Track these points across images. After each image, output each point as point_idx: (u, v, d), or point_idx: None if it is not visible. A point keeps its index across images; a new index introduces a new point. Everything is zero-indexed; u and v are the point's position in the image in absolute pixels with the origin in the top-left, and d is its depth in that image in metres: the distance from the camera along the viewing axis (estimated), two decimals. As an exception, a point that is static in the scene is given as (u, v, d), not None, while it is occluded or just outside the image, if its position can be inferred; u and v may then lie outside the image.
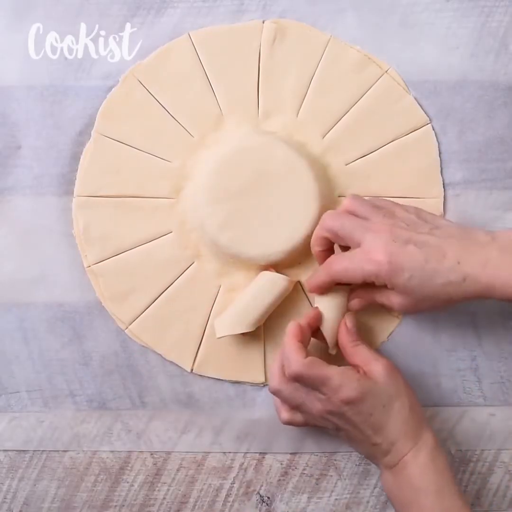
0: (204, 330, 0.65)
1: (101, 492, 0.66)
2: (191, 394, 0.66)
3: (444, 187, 0.66)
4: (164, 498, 0.66)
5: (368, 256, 0.56)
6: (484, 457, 0.66)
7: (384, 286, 0.57)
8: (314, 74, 0.66)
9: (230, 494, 0.66)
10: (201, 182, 0.64)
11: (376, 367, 0.59)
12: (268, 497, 0.66)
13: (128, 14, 0.67)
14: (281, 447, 0.66)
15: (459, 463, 0.66)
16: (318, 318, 0.61)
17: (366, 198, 0.61)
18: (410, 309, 0.57)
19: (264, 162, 0.63)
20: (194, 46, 0.66)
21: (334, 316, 0.61)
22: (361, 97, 0.66)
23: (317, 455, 0.66)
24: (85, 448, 0.66)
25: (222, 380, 0.66)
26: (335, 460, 0.66)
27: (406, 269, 0.55)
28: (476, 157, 0.67)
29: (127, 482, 0.66)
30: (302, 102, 0.66)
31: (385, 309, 0.63)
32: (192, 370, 0.66)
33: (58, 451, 0.66)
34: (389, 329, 0.66)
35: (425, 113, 0.66)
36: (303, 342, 0.59)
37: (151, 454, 0.66)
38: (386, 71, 0.67)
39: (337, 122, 0.66)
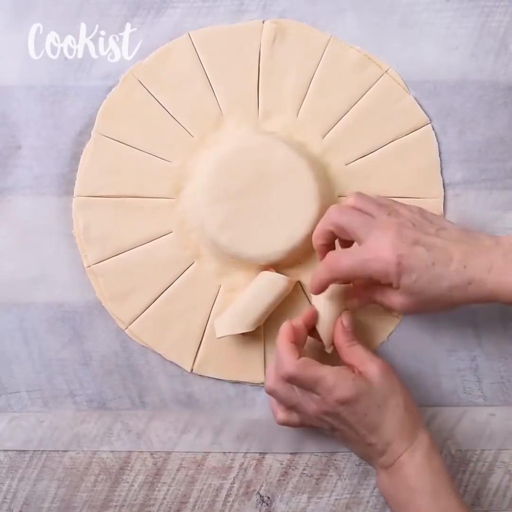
0: (204, 330, 0.65)
1: (101, 492, 0.66)
2: (191, 394, 0.66)
3: (444, 187, 0.66)
4: (164, 498, 0.66)
5: (375, 254, 0.55)
6: (484, 457, 0.66)
7: (387, 286, 0.56)
8: (314, 74, 0.66)
9: (230, 494, 0.66)
10: (201, 182, 0.64)
11: (371, 368, 0.58)
12: (268, 497, 0.66)
13: (128, 14, 0.67)
14: (281, 447, 0.66)
15: (459, 463, 0.66)
16: (314, 317, 0.61)
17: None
18: (412, 310, 0.57)
19: (264, 162, 0.63)
20: (194, 46, 0.66)
21: (330, 315, 0.61)
22: (361, 97, 0.66)
23: (317, 455, 0.66)
24: (85, 448, 0.66)
25: (222, 380, 0.66)
26: (335, 460, 0.66)
27: (414, 270, 0.55)
28: (476, 157, 0.67)
29: (127, 482, 0.66)
30: (302, 102, 0.66)
31: (385, 309, 0.63)
32: (192, 370, 0.66)
33: (58, 451, 0.66)
34: (389, 329, 0.66)
35: (425, 113, 0.66)
36: (298, 342, 0.59)
37: (151, 454, 0.66)
38: (386, 71, 0.66)
39: (337, 122, 0.66)
